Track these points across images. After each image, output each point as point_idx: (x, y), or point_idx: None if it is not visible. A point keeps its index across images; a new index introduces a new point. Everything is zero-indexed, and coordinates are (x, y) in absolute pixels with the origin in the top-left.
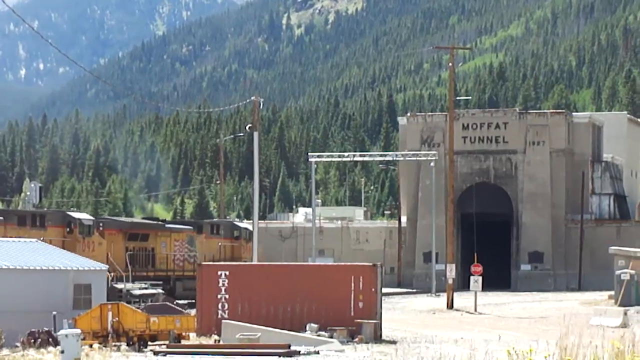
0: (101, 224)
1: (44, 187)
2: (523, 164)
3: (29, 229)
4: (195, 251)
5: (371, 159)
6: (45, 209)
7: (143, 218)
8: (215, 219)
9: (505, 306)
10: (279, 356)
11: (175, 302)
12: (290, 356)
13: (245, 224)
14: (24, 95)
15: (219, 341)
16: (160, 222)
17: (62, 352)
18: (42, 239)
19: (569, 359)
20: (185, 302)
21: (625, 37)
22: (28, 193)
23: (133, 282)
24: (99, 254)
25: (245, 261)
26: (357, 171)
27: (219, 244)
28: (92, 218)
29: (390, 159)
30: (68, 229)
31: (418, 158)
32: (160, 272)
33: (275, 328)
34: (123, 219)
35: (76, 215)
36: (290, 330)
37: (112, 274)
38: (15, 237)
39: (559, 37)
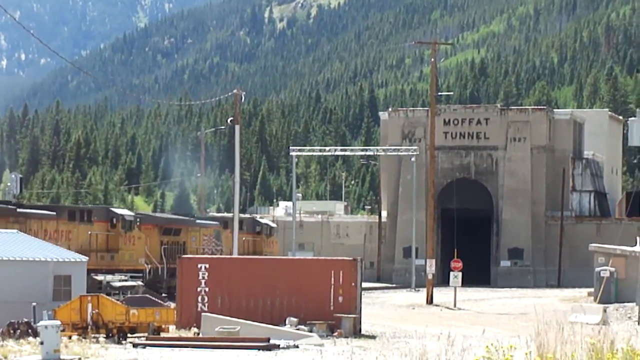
0: (139, 220)
1: (24, 178)
2: (504, 160)
3: (78, 224)
4: (221, 245)
5: (352, 153)
6: (91, 205)
7: (174, 213)
8: (241, 215)
9: (485, 302)
10: (258, 349)
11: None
12: (270, 350)
13: (266, 220)
14: (5, 86)
15: (198, 334)
16: (191, 218)
17: (42, 343)
18: (89, 233)
19: (549, 356)
20: None
21: (607, 35)
22: (8, 184)
23: (167, 274)
24: (138, 247)
25: (266, 255)
26: (338, 165)
27: (243, 238)
28: (133, 214)
29: (371, 153)
30: (111, 224)
31: (399, 153)
32: None
33: (254, 321)
34: (158, 215)
35: (119, 211)
36: (270, 324)
37: (149, 265)
38: (65, 231)
39: (541, 33)
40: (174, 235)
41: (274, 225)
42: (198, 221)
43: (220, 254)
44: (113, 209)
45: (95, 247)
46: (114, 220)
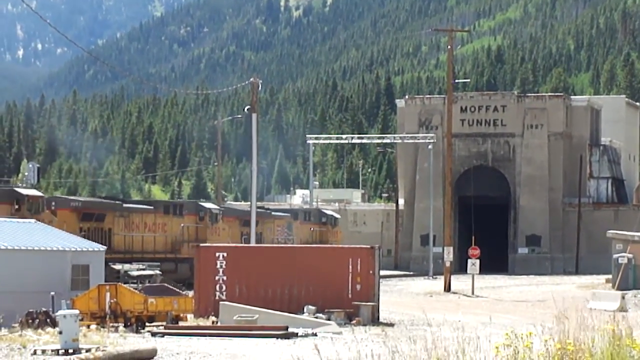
0: (222, 212)
1: (41, 167)
2: (521, 147)
3: (172, 217)
4: (292, 235)
5: (369, 141)
6: (182, 200)
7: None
8: (306, 207)
9: (503, 289)
10: (277, 338)
11: None
12: (288, 338)
13: (330, 212)
14: (22, 76)
15: (216, 322)
16: (267, 211)
17: (60, 332)
18: (182, 225)
19: (569, 342)
20: None
21: (624, 21)
22: (26, 174)
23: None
24: (223, 237)
25: (331, 244)
26: (355, 153)
27: (311, 228)
28: (218, 207)
29: (388, 141)
30: (199, 217)
31: (416, 141)
32: None
33: (272, 310)
34: (239, 208)
35: (206, 205)
36: (288, 312)
37: None
38: (161, 223)
39: (557, 20)
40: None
41: (338, 216)
42: (273, 213)
43: (292, 243)
44: (201, 203)
45: (186, 237)
46: (202, 213)
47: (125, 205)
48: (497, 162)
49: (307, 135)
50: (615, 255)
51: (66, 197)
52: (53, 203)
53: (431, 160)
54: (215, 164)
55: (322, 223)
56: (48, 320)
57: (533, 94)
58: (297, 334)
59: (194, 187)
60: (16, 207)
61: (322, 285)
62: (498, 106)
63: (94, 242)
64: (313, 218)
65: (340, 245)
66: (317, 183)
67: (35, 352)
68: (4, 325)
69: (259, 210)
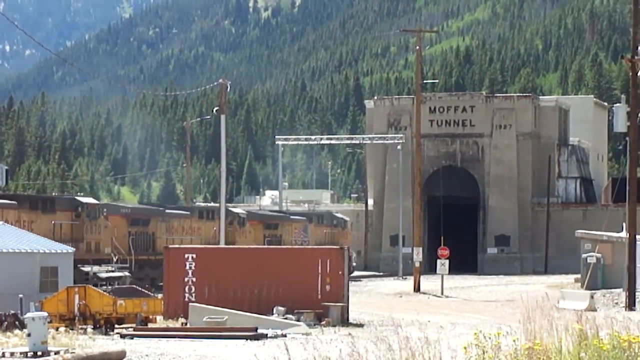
0: (246, 217)
1: (9, 169)
2: (490, 147)
3: (205, 221)
4: (308, 237)
5: (338, 142)
6: (213, 205)
7: (272, 211)
8: (319, 211)
9: (472, 289)
10: (246, 339)
11: None
12: (258, 339)
13: (340, 215)
14: None
15: (186, 324)
16: (286, 214)
17: (29, 335)
18: (214, 228)
19: (536, 342)
20: None
21: (592, 21)
22: None
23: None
24: (249, 240)
25: (342, 244)
26: (324, 154)
27: (324, 231)
28: (245, 212)
29: (357, 142)
30: (229, 221)
31: (385, 141)
32: None
33: (242, 311)
34: (261, 212)
35: (235, 210)
36: (258, 314)
37: None
38: (197, 227)
39: (525, 20)
40: (273, 229)
41: (347, 219)
42: (291, 217)
43: (307, 244)
44: (232, 209)
45: (216, 241)
46: (231, 218)
47: (167, 211)
48: (466, 163)
49: (276, 136)
50: (584, 255)
51: (117, 204)
52: (105, 210)
53: (400, 160)
54: (184, 165)
55: (334, 225)
56: (16, 322)
57: (501, 95)
58: (266, 335)
59: (163, 188)
60: (76, 214)
61: (292, 286)
62: (467, 106)
63: (141, 245)
64: (326, 221)
65: (310, 246)
66: (286, 184)
67: (3, 355)
68: None
69: (279, 214)
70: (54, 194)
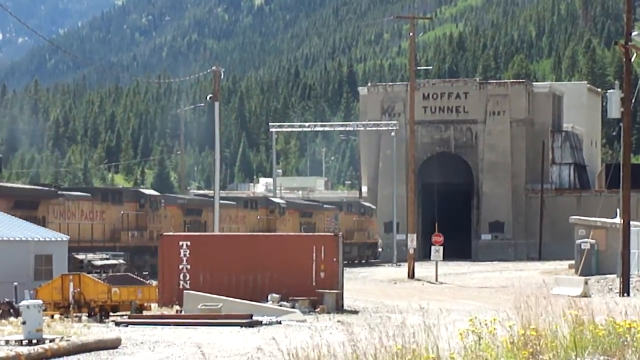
0: (285, 206)
1: (3, 158)
2: (483, 133)
3: (249, 210)
4: (338, 224)
5: (332, 129)
6: (256, 196)
7: (306, 200)
8: (349, 200)
9: (466, 276)
10: (241, 326)
11: None
12: (252, 326)
13: (367, 204)
14: None
15: (180, 311)
16: (319, 204)
17: (24, 323)
18: (258, 217)
19: (532, 329)
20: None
21: (585, 7)
22: None
23: None
24: (288, 227)
25: (369, 231)
26: (318, 141)
27: (353, 218)
28: (284, 201)
29: (351, 129)
30: (270, 210)
31: (379, 128)
32: None
33: (237, 298)
34: (298, 201)
35: (276, 200)
36: (252, 301)
37: None
38: (242, 216)
39: (518, 7)
40: (308, 217)
41: (374, 207)
42: (325, 206)
43: (338, 232)
44: (271, 199)
45: (259, 228)
46: (272, 207)
47: (221, 202)
48: (459, 149)
49: (270, 124)
50: (578, 241)
51: (174, 195)
52: (163, 201)
53: (394, 147)
54: (178, 152)
55: (361, 213)
56: (11, 310)
57: (495, 81)
58: (261, 322)
59: (157, 176)
60: (140, 204)
61: (286, 273)
62: (460, 93)
63: (195, 232)
64: (354, 209)
65: (304, 233)
66: (280, 171)
67: None
68: None
69: (312, 202)
70: (121, 186)
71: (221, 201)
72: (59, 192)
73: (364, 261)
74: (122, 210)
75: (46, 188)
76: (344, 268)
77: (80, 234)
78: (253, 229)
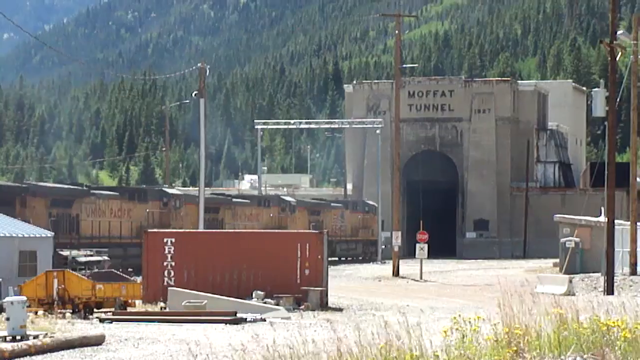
0: (296, 204)
1: None
2: (469, 131)
3: (263, 208)
4: (344, 222)
5: (317, 126)
6: (269, 195)
7: (314, 199)
8: (354, 199)
9: (451, 274)
10: (225, 323)
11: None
12: (237, 323)
13: (371, 202)
14: None
15: (165, 308)
16: (327, 202)
17: (8, 319)
18: (271, 215)
19: (516, 327)
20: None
21: (571, 6)
22: None
23: None
24: (298, 225)
25: (372, 228)
26: (303, 138)
27: (358, 216)
28: (295, 200)
29: (336, 126)
30: (282, 209)
31: (364, 126)
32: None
33: (221, 295)
34: (307, 200)
35: (287, 198)
36: (237, 298)
37: None
38: (256, 213)
39: (504, 5)
40: (316, 215)
41: (376, 205)
42: (331, 204)
43: (344, 228)
44: (283, 197)
45: (272, 225)
46: (283, 205)
47: (233, 200)
48: (445, 147)
49: (255, 121)
50: (562, 240)
51: (193, 194)
52: (183, 199)
53: (379, 145)
54: (163, 149)
55: (366, 212)
56: None
57: (480, 79)
58: (245, 319)
59: (142, 172)
60: (163, 203)
61: (271, 270)
62: (445, 91)
63: (214, 229)
64: (359, 208)
65: (289, 230)
66: (265, 168)
67: None
68: None
69: (321, 201)
70: (143, 185)
71: (236, 199)
72: (91, 192)
73: (368, 257)
74: (147, 209)
75: (79, 187)
76: (348, 264)
77: (110, 230)
78: (266, 226)
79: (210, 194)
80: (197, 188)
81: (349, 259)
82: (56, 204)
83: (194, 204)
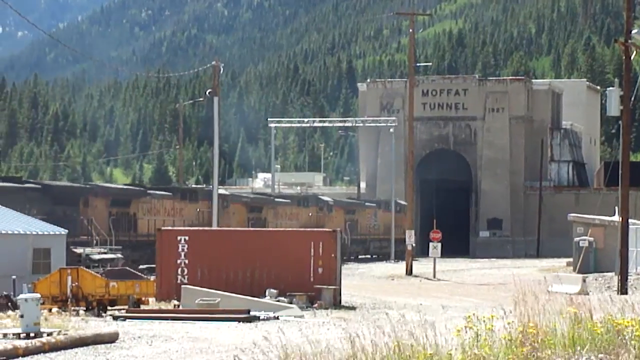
0: (333, 204)
1: (2, 151)
2: (482, 130)
3: (302, 208)
4: (377, 220)
5: (331, 124)
6: (307, 194)
7: (349, 198)
8: (386, 199)
9: (464, 272)
10: (239, 321)
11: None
12: (250, 321)
13: (403, 202)
14: None
15: (178, 306)
16: (362, 202)
17: (22, 316)
18: (309, 214)
19: (530, 325)
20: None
21: (585, 5)
22: None
23: (349, 242)
24: (335, 223)
25: (403, 226)
26: (317, 137)
27: (390, 215)
28: (332, 200)
29: (350, 125)
30: (319, 208)
31: (378, 124)
32: (361, 235)
33: (234, 293)
34: (344, 200)
35: (324, 198)
36: (250, 296)
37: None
38: (296, 213)
39: (518, 3)
40: (351, 215)
41: (405, 203)
42: (365, 204)
43: (377, 227)
44: (321, 197)
45: (311, 224)
46: (321, 204)
47: (275, 199)
48: (458, 146)
49: (269, 119)
50: (576, 239)
51: (239, 194)
52: (230, 199)
53: (393, 143)
54: (177, 147)
55: (397, 211)
56: (9, 304)
57: (494, 78)
58: (259, 317)
59: (156, 170)
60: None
61: (284, 268)
62: (459, 90)
63: (256, 228)
64: (390, 207)
65: (302, 229)
66: (278, 166)
67: None
68: None
69: (356, 201)
70: (193, 185)
71: (278, 199)
72: (148, 192)
73: (398, 256)
74: (197, 208)
75: (137, 188)
76: (361, 263)
77: None
78: (305, 224)
79: (253, 194)
80: (210, 186)
81: (374, 256)
82: (116, 204)
83: (239, 204)
